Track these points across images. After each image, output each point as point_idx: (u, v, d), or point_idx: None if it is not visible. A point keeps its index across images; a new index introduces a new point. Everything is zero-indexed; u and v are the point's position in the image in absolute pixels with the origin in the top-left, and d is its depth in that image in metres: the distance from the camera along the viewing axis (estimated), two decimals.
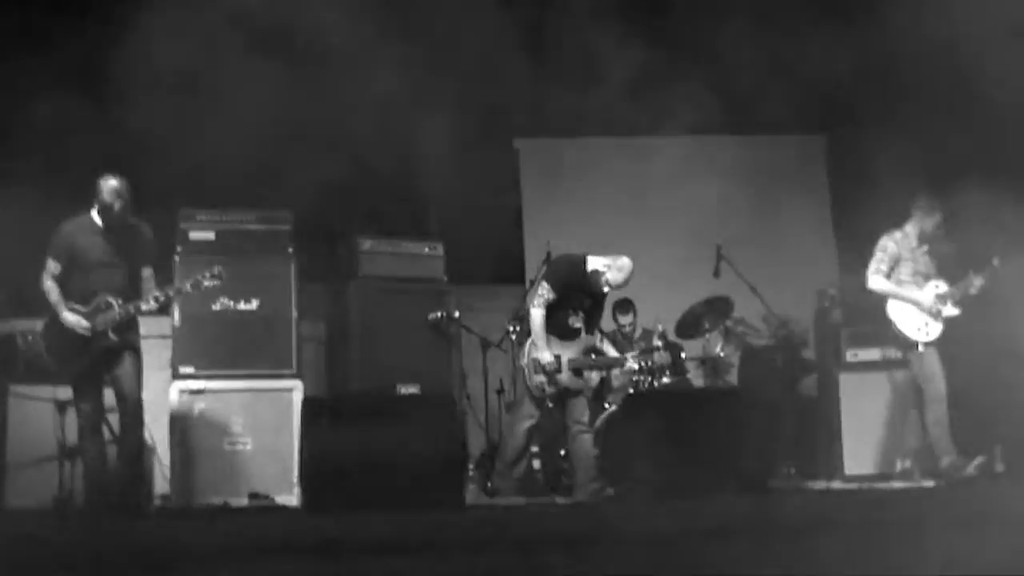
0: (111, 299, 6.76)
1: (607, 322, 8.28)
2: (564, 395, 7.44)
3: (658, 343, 8.29)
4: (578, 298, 7.50)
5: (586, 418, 7.51)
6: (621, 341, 8.74)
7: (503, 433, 7.95)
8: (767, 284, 8.82)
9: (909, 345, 7.64)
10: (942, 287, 7.63)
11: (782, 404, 8.66)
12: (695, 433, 7.24)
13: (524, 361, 7.44)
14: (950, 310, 7.60)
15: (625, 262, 7.45)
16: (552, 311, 7.40)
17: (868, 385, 8.40)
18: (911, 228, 7.75)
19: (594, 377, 7.63)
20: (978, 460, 7.37)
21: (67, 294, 6.80)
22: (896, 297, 7.67)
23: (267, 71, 9.07)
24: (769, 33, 9.36)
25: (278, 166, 8.89)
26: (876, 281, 7.71)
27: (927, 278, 7.67)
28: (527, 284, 9.28)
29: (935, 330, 7.60)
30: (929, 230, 7.70)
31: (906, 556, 3.70)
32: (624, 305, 8.99)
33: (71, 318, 6.70)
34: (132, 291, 6.88)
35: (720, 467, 7.11)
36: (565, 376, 7.40)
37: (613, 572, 3.57)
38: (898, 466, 7.76)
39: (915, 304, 7.62)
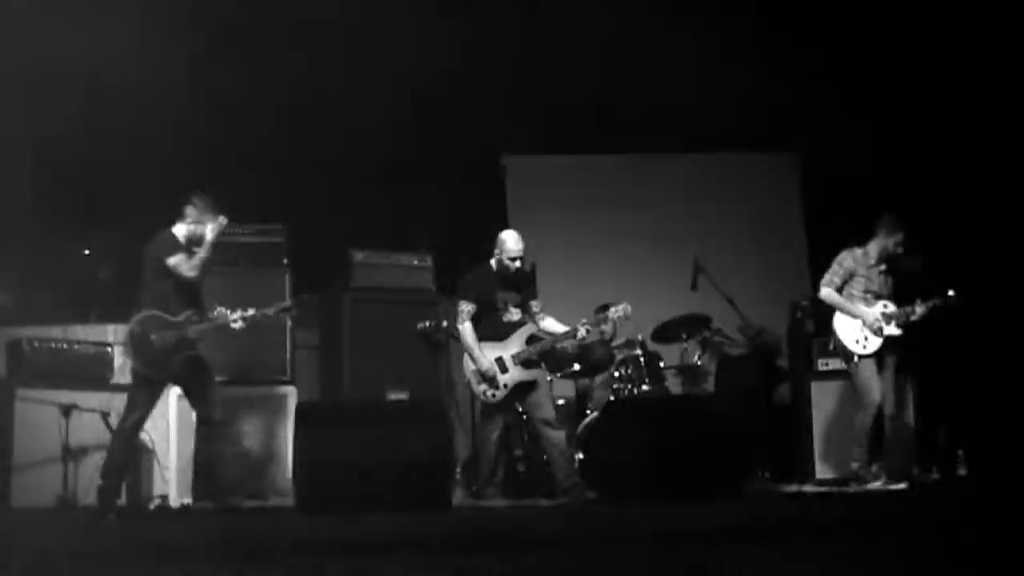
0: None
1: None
2: (521, 393, 7.48)
3: (636, 351, 8.54)
4: (500, 296, 7.55)
5: (551, 414, 7.50)
6: (599, 347, 8.82)
7: (476, 446, 8.00)
8: (743, 296, 8.93)
9: (847, 356, 7.86)
10: (890, 307, 7.81)
11: (757, 411, 8.81)
12: (673, 438, 7.28)
13: (467, 377, 7.52)
14: (892, 329, 7.78)
15: (503, 236, 7.51)
16: (482, 317, 7.48)
17: (838, 392, 8.57)
18: (873, 247, 7.92)
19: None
20: (882, 479, 7.65)
21: (173, 304, 7.05)
22: (842, 310, 7.88)
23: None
24: (746, 51, 9.62)
25: (273, 181, 9.13)
26: (826, 292, 7.95)
27: (878, 297, 7.85)
28: None
29: (873, 345, 7.77)
30: (890, 248, 7.86)
31: (875, 557, 3.82)
32: (602, 309, 9.14)
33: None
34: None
35: (697, 471, 7.15)
36: (515, 372, 7.44)
37: (593, 573, 3.68)
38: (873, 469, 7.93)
39: (858, 318, 7.82)
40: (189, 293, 7.14)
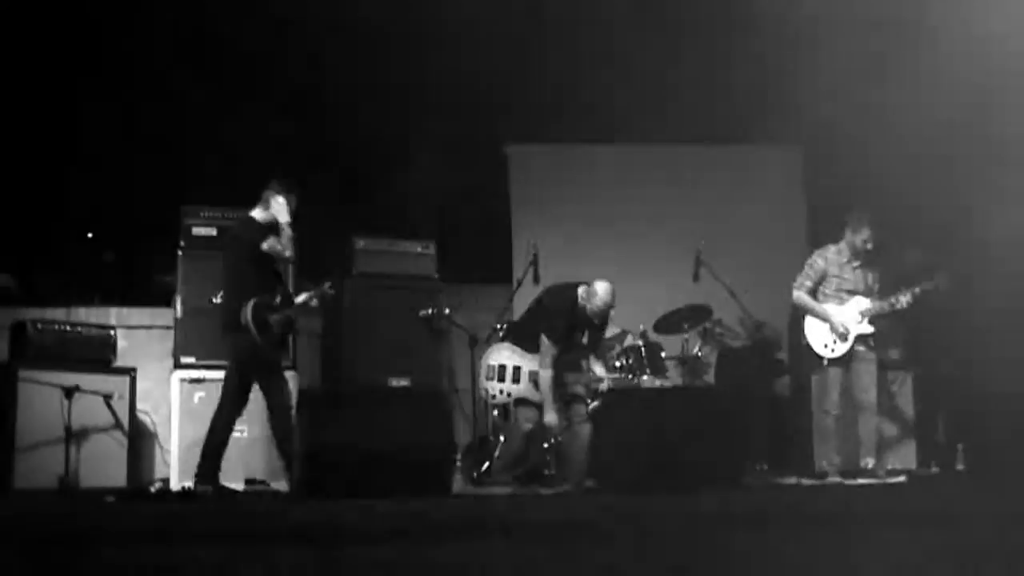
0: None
1: None
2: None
3: (638, 341, 8.57)
4: (578, 335, 7.72)
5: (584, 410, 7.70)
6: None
7: (503, 436, 8.06)
8: (744, 289, 8.97)
9: (814, 359, 7.96)
10: (864, 303, 7.81)
11: (756, 403, 8.78)
12: (673, 429, 7.34)
13: (548, 418, 7.54)
14: (863, 328, 7.79)
15: (597, 288, 7.59)
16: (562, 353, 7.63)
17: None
18: (844, 244, 7.94)
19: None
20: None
21: (265, 287, 7.25)
22: (812, 313, 7.94)
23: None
24: (755, 46, 9.63)
25: (276, 168, 9.15)
26: (796, 295, 8.02)
27: (852, 294, 7.86)
28: (514, 284, 9.39)
29: (840, 349, 7.82)
30: (858, 245, 7.86)
31: (871, 550, 3.82)
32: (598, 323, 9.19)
33: None
34: None
35: (696, 462, 7.20)
36: (522, 386, 7.64)
37: (591, 561, 3.67)
38: (866, 464, 7.96)
39: (827, 322, 7.86)
40: (273, 275, 7.36)
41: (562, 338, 7.58)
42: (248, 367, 7.25)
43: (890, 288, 7.87)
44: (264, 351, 7.15)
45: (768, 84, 9.60)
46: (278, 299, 7.23)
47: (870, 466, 7.72)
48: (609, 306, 7.60)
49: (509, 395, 7.61)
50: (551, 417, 7.49)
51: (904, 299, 7.76)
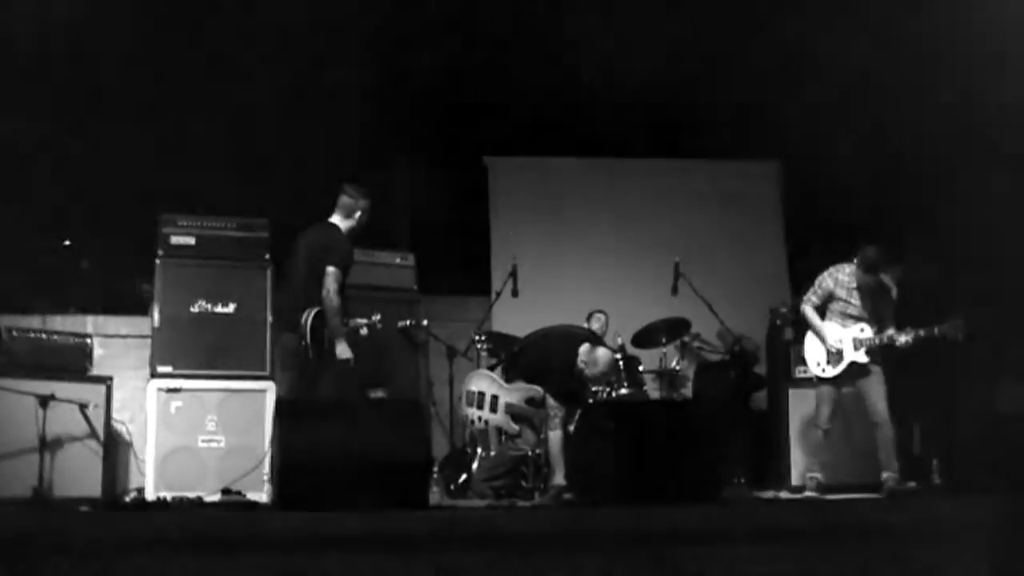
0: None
1: None
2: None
3: (616, 355, 8.58)
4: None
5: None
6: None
7: (479, 441, 8.06)
8: (722, 302, 8.98)
9: (804, 376, 8.08)
10: (866, 331, 7.75)
11: (734, 417, 8.81)
12: (650, 442, 7.24)
13: (463, 395, 7.77)
14: (857, 356, 7.75)
15: (599, 357, 7.71)
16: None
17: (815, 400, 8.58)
18: (856, 271, 7.80)
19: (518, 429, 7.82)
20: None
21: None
22: (812, 329, 7.94)
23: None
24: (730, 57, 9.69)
25: (258, 177, 9.16)
26: (803, 309, 7.99)
27: (857, 320, 7.80)
28: (492, 296, 9.46)
29: (831, 371, 7.82)
30: (863, 281, 7.76)
31: (848, 562, 3.90)
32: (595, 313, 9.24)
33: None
34: None
35: (674, 475, 7.12)
36: (500, 417, 7.73)
37: (568, 572, 3.76)
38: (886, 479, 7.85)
39: (822, 339, 7.85)
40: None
41: (567, 400, 7.72)
42: (291, 367, 7.38)
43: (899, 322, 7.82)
44: (305, 355, 7.22)
45: (748, 99, 9.67)
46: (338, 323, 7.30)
47: (890, 483, 7.65)
48: (607, 376, 7.78)
49: (486, 423, 7.70)
50: (559, 479, 7.57)
51: (904, 338, 7.66)
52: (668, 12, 9.39)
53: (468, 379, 7.99)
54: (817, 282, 7.98)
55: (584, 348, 7.71)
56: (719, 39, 9.52)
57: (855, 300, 7.83)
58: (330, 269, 7.24)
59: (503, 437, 7.80)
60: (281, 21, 9.11)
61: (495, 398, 7.70)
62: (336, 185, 7.70)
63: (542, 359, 7.86)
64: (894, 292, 7.85)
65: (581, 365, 7.69)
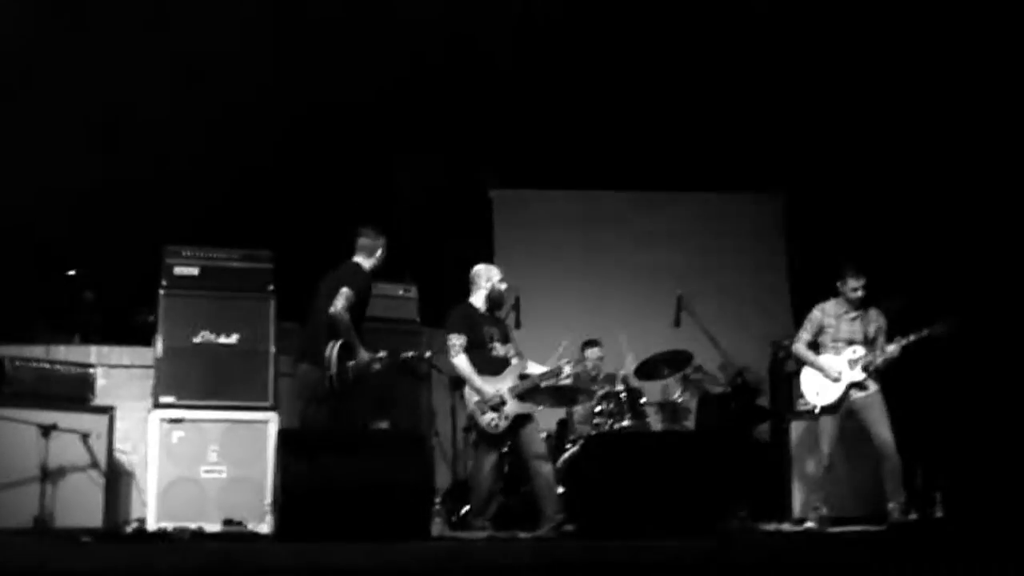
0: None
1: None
2: (517, 425, 7.60)
3: (620, 386, 8.58)
4: (487, 331, 7.77)
5: (544, 448, 7.73)
6: (584, 377, 8.92)
7: (470, 478, 8.05)
8: (725, 334, 9.06)
9: (805, 408, 8.15)
10: (859, 351, 7.90)
11: (736, 449, 8.81)
12: (652, 474, 7.27)
13: (470, 407, 7.62)
14: (853, 375, 7.87)
15: (486, 266, 7.90)
16: (472, 352, 7.64)
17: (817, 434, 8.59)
18: (841, 296, 8.05)
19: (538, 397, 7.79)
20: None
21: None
22: (809, 364, 8.06)
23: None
24: (732, 93, 9.75)
25: (262, 208, 9.19)
26: (795, 347, 8.16)
27: (849, 343, 7.96)
28: None
29: (831, 395, 7.91)
30: (849, 295, 7.97)
31: None
32: (592, 342, 9.20)
33: None
34: None
35: (675, 507, 7.14)
36: (512, 405, 7.59)
37: None
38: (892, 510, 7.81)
39: (821, 370, 7.98)
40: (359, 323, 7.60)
41: (466, 330, 7.69)
42: (309, 399, 7.45)
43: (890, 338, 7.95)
44: (329, 388, 7.31)
45: (751, 132, 9.72)
46: (362, 352, 7.47)
47: (895, 514, 7.69)
48: (500, 278, 7.87)
49: (507, 417, 7.60)
50: (488, 389, 7.56)
51: (891, 349, 7.84)
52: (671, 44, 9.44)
53: (466, 397, 7.78)
54: (807, 319, 8.17)
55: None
56: (719, 69, 9.56)
57: (844, 325, 8.01)
58: (343, 290, 7.37)
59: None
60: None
61: (496, 391, 7.64)
62: (347, 220, 7.81)
63: None
64: (883, 320, 8.01)
65: (484, 284, 7.80)
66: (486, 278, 7.82)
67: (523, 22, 9.06)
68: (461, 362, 7.63)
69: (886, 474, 7.77)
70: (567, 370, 7.79)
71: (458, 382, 8.17)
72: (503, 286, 7.86)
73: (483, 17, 8.97)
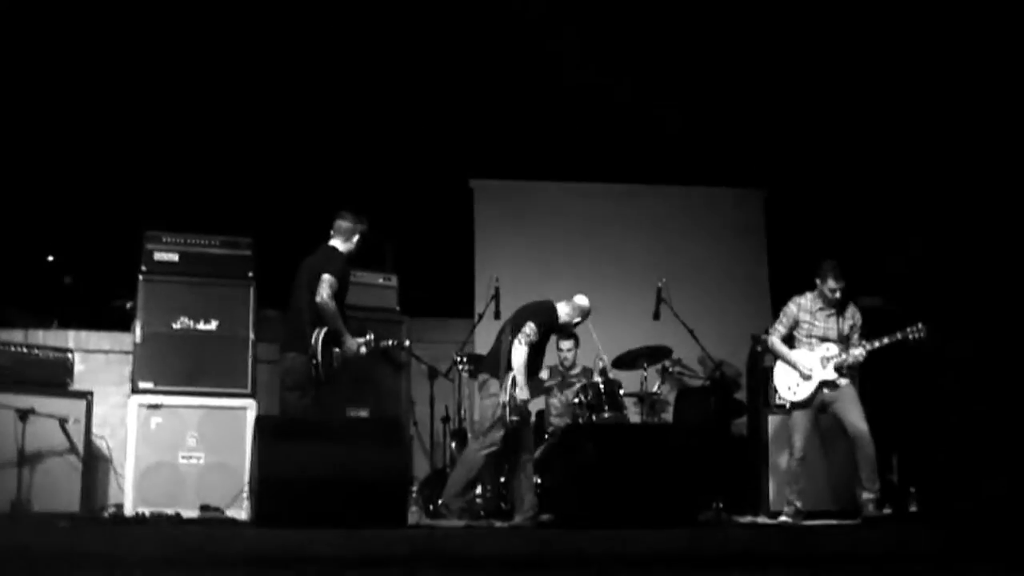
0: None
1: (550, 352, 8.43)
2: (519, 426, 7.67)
3: (597, 378, 8.61)
4: (546, 342, 7.88)
5: (532, 443, 7.87)
6: (559, 370, 9.00)
7: (457, 460, 8.06)
8: (704, 328, 9.03)
9: (778, 403, 8.22)
10: (832, 350, 7.92)
11: (713, 442, 8.81)
12: (629, 466, 7.34)
13: (504, 397, 7.53)
14: (827, 374, 7.91)
15: (580, 303, 7.94)
16: (530, 353, 7.65)
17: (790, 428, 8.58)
18: (816, 292, 8.04)
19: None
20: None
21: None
22: (782, 358, 8.09)
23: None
24: (717, 89, 9.78)
25: (242, 195, 9.18)
26: (770, 341, 8.19)
27: (823, 340, 7.97)
28: (475, 318, 9.51)
29: (803, 392, 7.96)
30: (827, 293, 7.95)
31: None
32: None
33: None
34: None
35: (652, 499, 7.21)
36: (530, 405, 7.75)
37: None
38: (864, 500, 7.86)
39: (793, 366, 8.00)
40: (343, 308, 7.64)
41: (544, 334, 7.77)
42: (293, 387, 7.50)
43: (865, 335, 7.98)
44: (314, 375, 7.37)
45: (733, 126, 9.75)
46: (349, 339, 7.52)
47: (869, 507, 7.73)
48: (580, 319, 7.95)
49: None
50: (525, 394, 7.57)
51: (858, 352, 7.86)
52: (653, 37, 9.46)
53: (503, 386, 7.67)
54: (782, 312, 8.19)
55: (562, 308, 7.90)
56: (702, 64, 9.58)
57: (819, 322, 8.02)
58: (325, 276, 7.40)
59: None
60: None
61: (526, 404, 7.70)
62: (328, 209, 7.81)
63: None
64: (858, 317, 8.03)
65: (570, 315, 7.90)
66: (581, 313, 7.95)
67: (505, 12, 9.05)
68: (522, 353, 7.59)
69: (860, 460, 7.81)
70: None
71: (435, 372, 8.24)
72: (575, 321, 8.03)
73: (464, 6, 8.96)
